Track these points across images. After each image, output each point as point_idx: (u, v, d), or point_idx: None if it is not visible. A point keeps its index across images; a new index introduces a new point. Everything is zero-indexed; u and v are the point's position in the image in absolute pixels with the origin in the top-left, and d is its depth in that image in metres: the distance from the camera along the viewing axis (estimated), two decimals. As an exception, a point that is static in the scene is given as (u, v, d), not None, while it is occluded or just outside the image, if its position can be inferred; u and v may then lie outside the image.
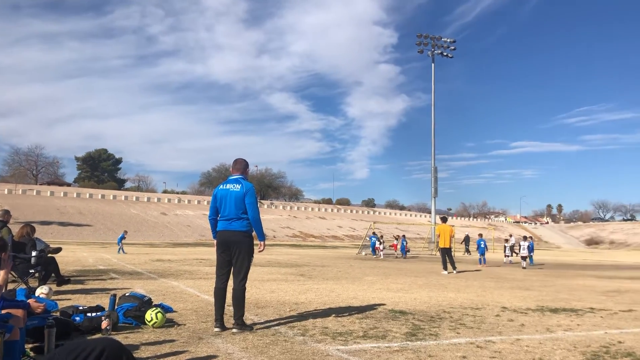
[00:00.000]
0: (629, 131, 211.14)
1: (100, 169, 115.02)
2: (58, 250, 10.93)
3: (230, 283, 6.17)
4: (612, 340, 5.88)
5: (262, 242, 6.38)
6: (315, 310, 7.78)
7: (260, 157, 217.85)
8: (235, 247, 6.07)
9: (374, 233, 32.77)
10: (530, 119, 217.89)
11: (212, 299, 8.42)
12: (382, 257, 29.37)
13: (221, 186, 6.32)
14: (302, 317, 7.11)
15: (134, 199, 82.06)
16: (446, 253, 17.44)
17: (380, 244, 31.08)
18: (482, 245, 23.75)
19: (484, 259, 23.31)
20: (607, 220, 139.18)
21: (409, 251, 32.84)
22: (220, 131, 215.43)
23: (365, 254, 33.95)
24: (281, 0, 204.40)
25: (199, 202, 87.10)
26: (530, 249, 23.68)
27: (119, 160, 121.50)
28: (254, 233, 6.23)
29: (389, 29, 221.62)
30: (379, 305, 8.32)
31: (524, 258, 22.39)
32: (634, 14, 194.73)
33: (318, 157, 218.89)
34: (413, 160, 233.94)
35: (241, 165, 6.40)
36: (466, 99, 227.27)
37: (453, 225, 20.08)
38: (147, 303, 6.82)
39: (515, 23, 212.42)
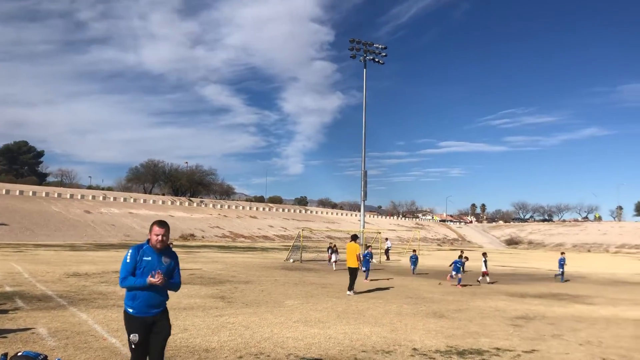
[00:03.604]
0: (548, 134, 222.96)
1: (20, 162, 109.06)
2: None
3: None
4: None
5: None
6: (224, 360, 7.62)
7: (192, 150, 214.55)
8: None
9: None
10: (458, 119, 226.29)
11: (118, 345, 8.12)
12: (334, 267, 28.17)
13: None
14: (209, 372, 6.94)
15: (56, 195, 78.35)
16: (352, 273, 16.88)
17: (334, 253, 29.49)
18: (459, 265, 21.68)
19: (460, 279, 20.93)
20: (526, 221, 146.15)
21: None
22: (151, 122, 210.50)
23: (294, 261, 33.97)
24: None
25: (125, 199, 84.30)
26: (560, 264, 24.96)
27: (41, 154, 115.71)
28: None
29: (326, 26, 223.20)
30: (291, 353, 8.24)
31: (484, 274, 22.29)
32: (557, 22, 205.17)
33: (252, 152, 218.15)
34: (346, 157, 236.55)
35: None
36: (398, 98, 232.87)
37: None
38: (41, 365, 6.43)
39: (447, 26, 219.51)
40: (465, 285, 20.42)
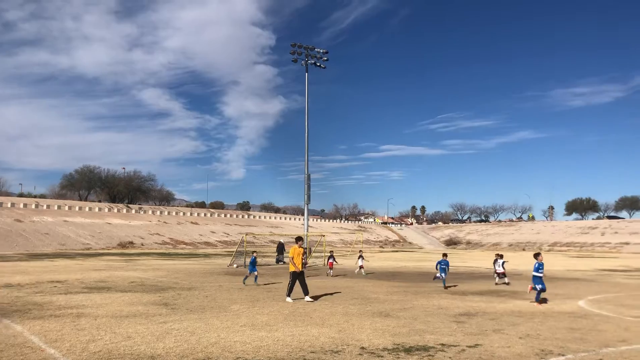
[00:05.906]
0: (484, 137, 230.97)
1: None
2: None
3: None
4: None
5: None
6: (171, 366, 7.43)
7: (130, 155, 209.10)
8: None
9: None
10: (398, 123, 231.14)
11: (58, 355, 7.78)
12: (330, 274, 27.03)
13: None
14: (156, 379, 6.74)
15: (-17, 203, 74.36)
16: (296, 277, 15.76)
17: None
18: (443, 265, 20.23)
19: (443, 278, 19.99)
20: (464, 222, 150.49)
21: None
22: (86, 127, 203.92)
23: (237, 266, 33.59)
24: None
25: (59, 207, 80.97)
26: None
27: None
28: None
29: (267, 30, 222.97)
30: (239, 356, 8.13)
31: (499, 275, 22.56)
32: (490, 29, 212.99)
33: (193, 157, 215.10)
34: (289, 161, 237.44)
35: None
36: (340, 102, 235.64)
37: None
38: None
39: (386, 32, 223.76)
40: None
